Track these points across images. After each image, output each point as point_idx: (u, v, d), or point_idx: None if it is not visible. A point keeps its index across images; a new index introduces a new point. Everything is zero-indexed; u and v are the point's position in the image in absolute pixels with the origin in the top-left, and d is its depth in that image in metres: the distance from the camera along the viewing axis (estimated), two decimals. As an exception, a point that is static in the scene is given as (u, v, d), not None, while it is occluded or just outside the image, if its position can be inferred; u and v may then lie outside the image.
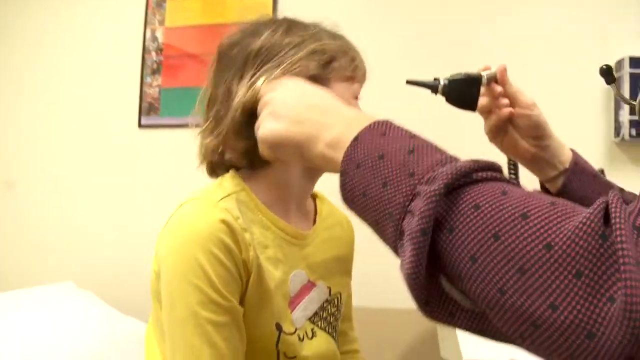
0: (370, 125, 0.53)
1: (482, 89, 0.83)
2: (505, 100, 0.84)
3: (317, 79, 0.83)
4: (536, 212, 0.40)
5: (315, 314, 0.93)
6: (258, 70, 0.82)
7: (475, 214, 0.42)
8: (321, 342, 0.93)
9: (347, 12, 2.01)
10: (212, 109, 0.88)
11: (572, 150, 0.87)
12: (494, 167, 0.47)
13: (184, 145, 2.27)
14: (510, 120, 0.85)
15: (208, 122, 0.88)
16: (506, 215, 0.41)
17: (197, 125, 0.93)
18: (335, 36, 0.90)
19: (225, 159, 0.89)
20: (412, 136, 0.52)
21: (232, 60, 0.85)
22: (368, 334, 1.77)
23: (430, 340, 1.82)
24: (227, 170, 0.90)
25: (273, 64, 0.83)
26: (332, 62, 0.86)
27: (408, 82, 0.82)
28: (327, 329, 0.96)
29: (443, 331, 1.70)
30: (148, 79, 2.23)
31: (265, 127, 0.63)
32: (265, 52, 0.83)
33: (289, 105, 0.62)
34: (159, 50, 2.25)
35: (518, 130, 0.85)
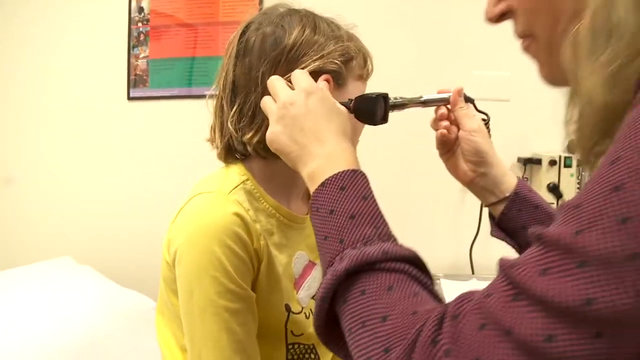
0: (337, 174, 0.63)
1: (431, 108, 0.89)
2: (444, 123, 0.89)
3: (339, 76, 0.89)
4: (394, 318, 0.50)
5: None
6: (290, 67, 0.86)
7: (359, 299, 0.53)
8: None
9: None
10: (239, 96, 0.90)
11: (520, 180, 0.90)
12: (404, 258, 0.55)
13: (174, 116, 2.28)
14: (456, 141, 0.89)
15: (235, 107, 0.90)
16: (374, 312, 0.51)
17: (210, 96, 0.95)
18: (351, 35, 0.95)
19: (243, 144, 0.91)
20: (364, 198, 0.61)
21: (264, 53, 0.88)
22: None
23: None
24: (242, 155, 0.93)
25: (304, 60, 0.87)
26: (351, 62, 0.91)
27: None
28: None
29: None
30: (135, 51, 2.22)
31: (272, 131, 0.73)
32: (298, 49, 0.87)
33: (295, 120, 0.70)
34: (145, 20, 2.23)
35: (462, 153, 0.89)
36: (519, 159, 1.98)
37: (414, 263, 0.56)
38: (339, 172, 0.63)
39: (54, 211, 2.27)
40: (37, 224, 2.28)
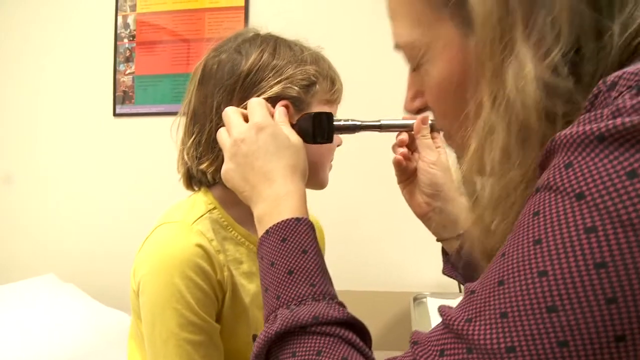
0: (280, 223, 0.64)
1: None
2: (400, 150, 0.86)
3: (299, 102, 0.86)
4: None
5: (290, 320, 0.98)
6: (248, 95, 0.84)
7: None
8: (296, 347, 0.98)
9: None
10: (195, 124, 0.89)
11: None
12: (336, 322, 0.56)
13: (160, 133, 2.28)
14: (415, 170, 0.86)
15: (193, 137, 0.89)
16: None
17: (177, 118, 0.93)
18: (317, 58, 0.92)
19: (203, 173, 0.90)
20: (304, 252, 0.62)
21: (220, 80, 0.86)
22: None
23: (403, 322, 1.89)
24: (202, 184, 0.93)
25: (262, 86, 0.85)
26: (314, 86, 0.88)
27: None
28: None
29: (415, 314, 1.76)
30: (121, 67, 2.22)
31: (225, 168, 0.73)
32: (254, 74, 0.85)
33: (246, 158, 0.71)
34: (131, 37, 2.23)
35: (418, 184, 0.86)
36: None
37: (348, 325, 0.57)
38: (282, 221, 0.64)
39: (37, 228, 2.26)
40: (21, 241, 2.27)
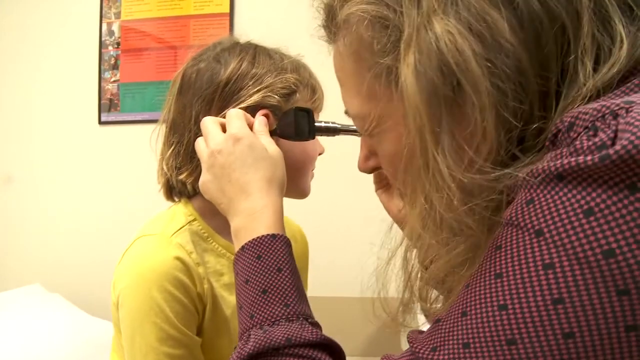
0: (256, 239, 0.64)
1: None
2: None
3: (279, 110, 0.85)
4: None
5: (273, 331, 0.97)
6: (227, 104, 0.84)
7: None
8: (279, 358, 0.97)
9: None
10: (174, 134, 0.88)
11: None
12: (308, 344, 0.57)
13: (146, 141, 2.27)
14: None
15: (172, 147, 0.88)
16: None
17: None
18: (298, 66, 0.91)
19: (182, 183, 0.90)
20: (279, 270, 0.62)
21: (198, 90, 0.85)
22: (331, 324, 1.82)
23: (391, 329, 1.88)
24: (182, 195, 0.92)
25: (241, 95, 0.84)
26: (295, 94, 0.87)
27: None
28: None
29: (404, 321, 1.75)
30: (106, 75, 2.21)
31: (203, 180, 0.73)
32: (233, 83, 0.84)
33: (222, 170, 0.71)
34: (116, 44, 2.22)
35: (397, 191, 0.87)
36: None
37: (322, 347, 0.57)
38: (257, 237, 0.64)
39: (23, 237, 2.24)
40: (6, 251, 2.25)
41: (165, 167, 0.88)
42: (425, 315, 0.53)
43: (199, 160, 0.81)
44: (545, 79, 0.43)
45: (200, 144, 0.75)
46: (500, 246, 0.41)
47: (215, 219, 0.90)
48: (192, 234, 0.86)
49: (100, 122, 2.20)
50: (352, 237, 2.01)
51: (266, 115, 0.82)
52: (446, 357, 0.41)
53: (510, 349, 0.38)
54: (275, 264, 0.62)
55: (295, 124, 0.80)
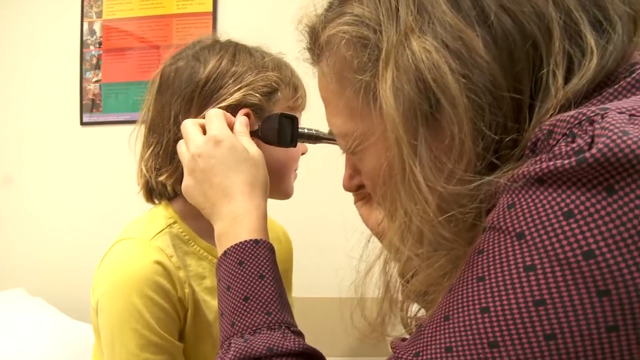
0: (238, 244, 0.63)
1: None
2: None
3: (260, 109, 0.84)
4: None
5: (258, 334, 0.96)
6: (207, 103, 0.82)
7: None
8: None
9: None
10: (153, 135, 0.86)
11: None
12: (290, 353, 0.57)
13: (129, 141, 2.24)
14: None
15: (151, 148, 0.86)
16: None
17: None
18: (279, 64, 0.89)
19: (162, 185, 0.88)
20: (261, 277, 0.61)
21: (177, 89, 0.83)
22: (316, 325, 1.81)
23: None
24: (162, 197, 0.90)
25: (221, 93, 0.82)
26: (276, 93, 0.86)
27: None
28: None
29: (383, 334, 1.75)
30: (88, 75, 2.18)
31: (185, 184, 0.73)
32: (213, 82, 0.83)
33: (204, 174, 0.70)
34: (98, 44, 2.19)
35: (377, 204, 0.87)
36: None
37: (304, 356, 0.57)
38: (240, 243, 0.64)
39: (4, 241, 2.20)
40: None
41: (144, 169, 0.86)
42: (405, 327, 0.52)
43: (178, 161, 0.80)
44: (519, 93, 0.45)
45: (181, 148, 0.75)
46: (482, 250, 0.41)
47: (196, 221, 0.88)
48: (172, 237, 0.85)
49: (82, 123, 2.16)
50: (337, 237, 2.00)
51: (247, 115, 0.81)
52: None
53: (492, 351, 0.38)
54: (257, 271, 0.61)
55: (279, 130, 0.79)
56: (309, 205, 1.89)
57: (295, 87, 0.90)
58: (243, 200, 0.68)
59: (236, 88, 0.83)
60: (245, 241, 0.64)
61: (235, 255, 0.63)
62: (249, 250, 0.63)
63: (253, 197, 0.68)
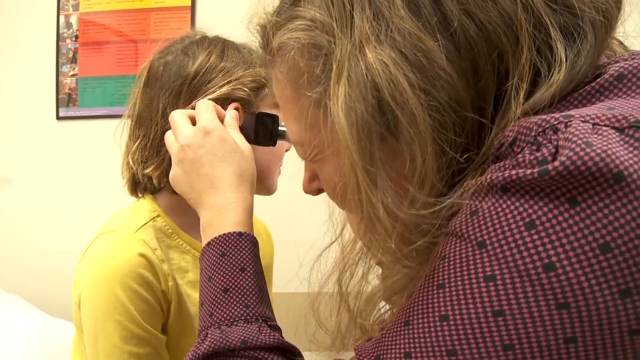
0: (222, 235, 0.63)
1: None
2: None
3: (248, 104, 0.84)
4: None
5: (239, 327, 0.96)
6: (194, 96, 0.82)
7: None
8: (246, 354, 0.96)
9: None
10: (141, 128, 0.86)
11: None
12: (264, 347, 0.57)
13: (106, 136, 2.23)
14: None
15: (138, 141, 0.86)
16: None
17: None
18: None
19: (148, 178, 0.88)
20: (242, 269, 0.61)
21: (166, 82, 0.84)
22: (301, 319, 1.81)
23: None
24: (147, 190, 0.90)
25: (209, 87, 0.83)
26: (264, 89, 0.87)
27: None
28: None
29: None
30: (64, 69, 2.15)
31: (173, 174, 0.72)
32: (202, 76, 0.83)
33: (192, 164, 0.69)
34: (74, 37, 2.16)
35: None
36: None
37: (279, 351, 0.58)
38: (224, 234, 0.63)
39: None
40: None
41: (131, 161, 0.86)
42: (364, 333, 0.52)
43: (165, 153, 0.80)
44: (482, 113, 0.42)
45: (169, 138, 0.74)
46: (444, 256, 0.40)
47: (179, 215, 0.89)
48: (156, 230, 0.85)
49: (59, 118, 2.14)
50: (318, 233, 2.00)
51: (236, 109, 0.81)
52: None
53: (450, 359, 0.38)
54: (239, 263, 0.61)
55: (256, 129, 0.79)
56: (291, 201, 1.89)
57: None
58: (230, 191, 0.67)
59: (225, 81, 0.83)
60: (229, 233, 0.63)
61: (218, 246, 0.63)
62: (232, 242, 0.62)
63: (240, 189, 0.68)
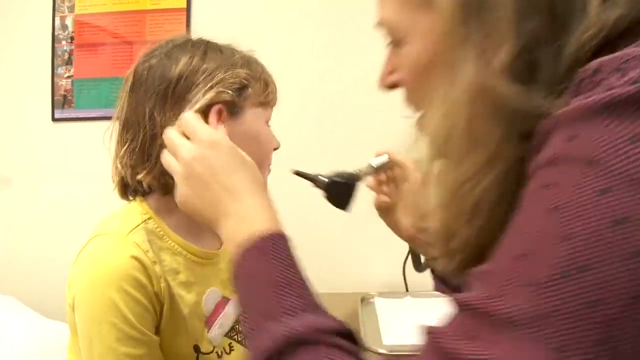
0: (258, 238, 0.60)
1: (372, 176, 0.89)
2: (385, 189, 0.89)
3: (232, 105, 0.85)
4: None
5: (232, 328, 0.97)
6: (180, 99, 0.83)
7: None
8: (238, 355, 0.97)
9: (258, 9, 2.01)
10: (128, 132, 0.87)
11: None
12: (333, 331, 0.54)
13: (102, 138, 2.23)
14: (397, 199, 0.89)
15: (126, 145, 0.87)
16: None
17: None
18: (249, 60, 0.91)
19: (138, 182, 0.89)
20: (288, 266, 0.59)
21: (151, 86, 0.85)
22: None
23: (352, 323, 1.89)
24: (137, 193, 0.91)
25: (194, 92, 0.83)
26: (247, 89, 0.87)
27: (295, 172, 0.87)
28: (243, 342, 1.00)
29: (363, 315, 1.77)
30: (59, 70, 2.15)
31: (181, 193, 0.69)
32: (185, 79, 0.84)
33: (202, 179, 0.67)
34: (70, 39, 2.16)
35: (403, 209, 0.88)
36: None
37: (344, 334, 0.55)
38: (260, 237, 0.61)
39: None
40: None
41: (119, 165, 0.87)
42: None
43: (156, 158, 0.81)
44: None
45: (167, 158, 0.71)
46: (549, 184, 0.41)
47: (171, 217, 0.90)
48: (147, 233, 0.86)
49: (54, 119, 2.14)
50: (309, 234, 2.01)
51: (219, 111, 0.82)
52: (512, 300, 0.41)
53: (584, 276, 0.38)
54: (285, 260, 0.59)
55: (342, 194, 0.81)
56: (285, 201, 1.90)
57: (266, 83, 0.92)
58: (251, 195, 0.65)
59: (208, 87, 0.83)
60: (267, 235, 0.61)
61: (256, 248, 0.60)
62: (271, 242, 0.61)
63: (262, 195, 0.66)
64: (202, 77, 0.84)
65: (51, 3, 2.16)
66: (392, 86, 0.62)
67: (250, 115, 0.88)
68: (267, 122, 0.93)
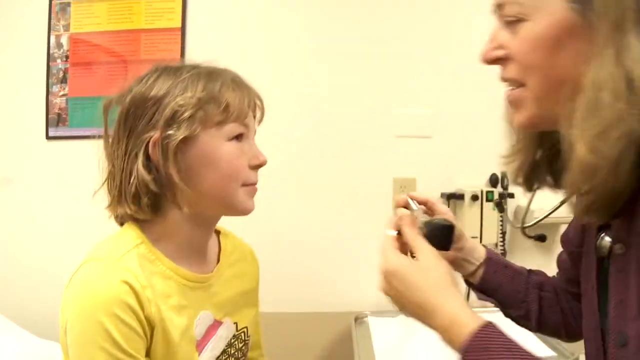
0: (473, 338, 0.62)
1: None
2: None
3: (187, 140, 0.86)
4: None
5: (223, 351, 0.97)
6: (135, 127, 0.88)
7: None
8: (229, 378, 0.97)
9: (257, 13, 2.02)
10: (109, 164, 0.93)
11: (484, 246, 0.96)
12: None
13: (96, 157, 2.22)
14: None
15: (106, 177, 0.93)
16: None
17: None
18: (207, 78, 0.90)
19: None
20: (508, 349, 0.61)
21: (117, 119, 0.91)
22: (285, 339, 1.82)
23: (345, 342, 1.89)
24: (126, 219, 0.92)
25: (143, 119, 0.87)
26: (196, 114, 0.87)
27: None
28: (235, 364, 1.00)
29: (357, 334, 1.77)
30: (54, 88, 2.16)
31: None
32: (132, 114, 0.89)
33: (404, 297, 0.72)
34: (65, 57, 2.17)
35: None
36: (442, 195, 2.00)
37: None
38: (473, 336, 0.63)
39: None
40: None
41: (108, 195, 0.90)
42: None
43: (137, 191, 0.86)
44: None
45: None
46: None
47: (162, 243, 0.90)
48: (139, 257, 0.86)
49: (48, 137, 2.14)
50: (304, 253, 2.02)
51: (155, 142, 0.85)
52: None
53: None
54: (504, 345, 0.62)
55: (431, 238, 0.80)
56: (278, 220, 1.90)
57: (222, 101, 0.88)
58: (441, 306, 0.67)
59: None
60: (478, 331, 0.63)
61: (477, 342, 0.62)
62: (488, 334, 0.63)
63: (447, 296, 0.68)
64: (150, 109, 0.87)
65: (47, 21, 2.17)
66: (494, 61, 0.67)
67: (203, 137, 0.88)
68: (229, 139, 0.90)
